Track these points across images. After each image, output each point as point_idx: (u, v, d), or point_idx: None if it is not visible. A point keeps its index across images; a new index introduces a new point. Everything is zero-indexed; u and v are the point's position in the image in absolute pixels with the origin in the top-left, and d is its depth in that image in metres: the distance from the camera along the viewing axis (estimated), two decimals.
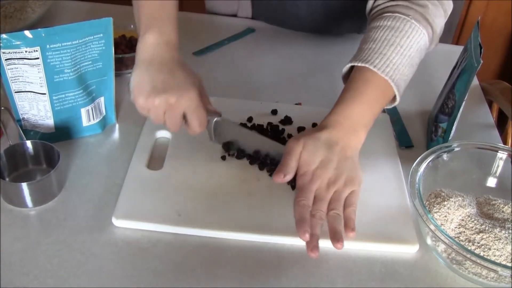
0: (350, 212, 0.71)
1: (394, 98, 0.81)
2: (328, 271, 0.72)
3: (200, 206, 0.77)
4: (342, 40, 1.18)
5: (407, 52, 0.79)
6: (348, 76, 0.82)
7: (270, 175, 0.82)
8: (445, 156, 0.82)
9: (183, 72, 0.77)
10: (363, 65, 0.78)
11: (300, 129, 0.91)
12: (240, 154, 0.83)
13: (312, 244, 0.67)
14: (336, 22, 1.15)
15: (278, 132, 0.90)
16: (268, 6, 1.16)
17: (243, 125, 0.87)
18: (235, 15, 1.24)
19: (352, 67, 0.82)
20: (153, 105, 0.74)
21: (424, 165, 0.79)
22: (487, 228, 0.73)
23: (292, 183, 0.80)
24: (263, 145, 0.81)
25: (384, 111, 0.99)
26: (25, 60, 0.76)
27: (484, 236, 0.72)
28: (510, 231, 0.73)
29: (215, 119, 0.80)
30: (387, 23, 0.81)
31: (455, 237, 0.73)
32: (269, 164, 0.83)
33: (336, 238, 0.68)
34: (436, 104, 0.95)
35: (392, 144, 0.91)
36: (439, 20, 0.84)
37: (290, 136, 0.89)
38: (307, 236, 0.67)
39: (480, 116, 1.03)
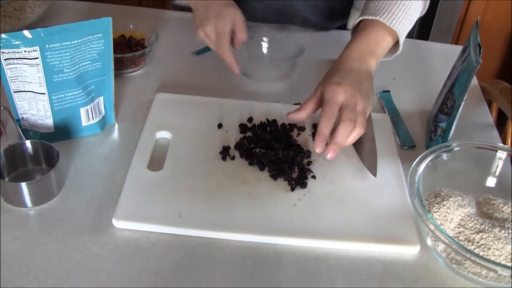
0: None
1: (395, 48, 0.92)
2: (328, 271, 0.72)
3: (201, 207, 0.77)
4: (342, 40, 1.18)
5: (407, 9, 0.91)
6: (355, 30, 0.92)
7: (271, 175, 0.82)
8: (444, 156, 0.82)
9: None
10: (373, 18, 0.88)
11: (300, 128, 0.91)
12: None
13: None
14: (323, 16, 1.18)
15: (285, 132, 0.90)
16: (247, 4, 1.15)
17: None
18: None
19: (359, 23, 0.92)
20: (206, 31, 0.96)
21: (423, 164, 0.79)
22: (486, 227, 0.73)
23: (292, 184, 0.81)
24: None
25: (384, 111, 0.99)
26: (24, 60, 0.76)
27: (484, 236, 0.72)
28: (509, 230, 0.73)
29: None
30: None
31: (455, 237, 0.73)
32: (269, 165, 0.83)
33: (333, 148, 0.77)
34: (436, 104, 0.95)
35: (392, 144, 0.91)
36: None
37: (287, 132, 0.89)
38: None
39: (479, 116, 1.02)
